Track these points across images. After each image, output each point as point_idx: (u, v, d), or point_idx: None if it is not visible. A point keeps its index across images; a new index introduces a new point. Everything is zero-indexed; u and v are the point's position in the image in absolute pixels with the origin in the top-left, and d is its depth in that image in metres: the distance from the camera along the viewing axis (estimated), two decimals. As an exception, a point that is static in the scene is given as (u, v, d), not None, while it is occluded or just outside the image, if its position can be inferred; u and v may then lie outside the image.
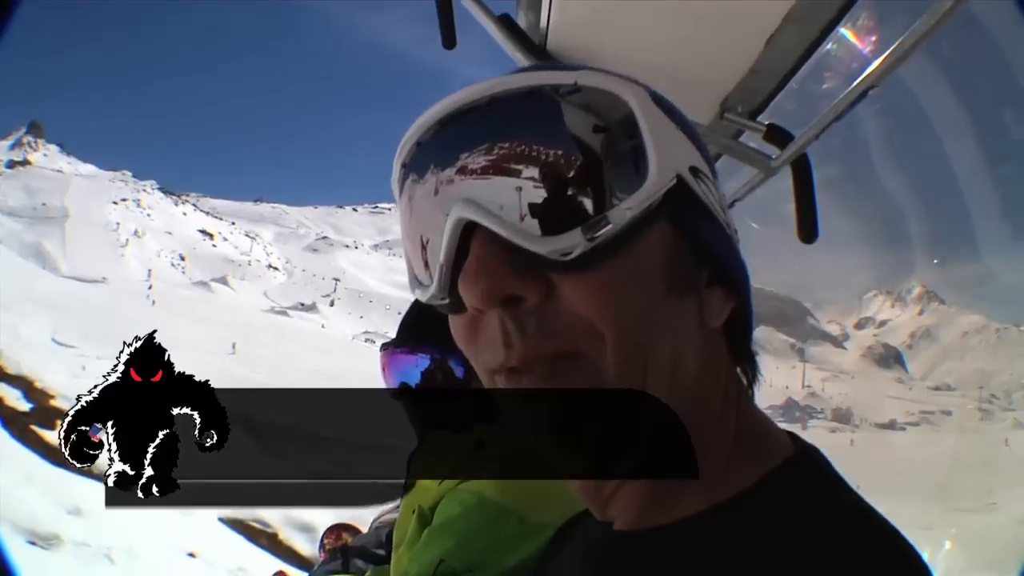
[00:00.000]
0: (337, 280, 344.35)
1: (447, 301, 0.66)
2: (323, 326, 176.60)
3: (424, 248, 0.68)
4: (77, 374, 33.39)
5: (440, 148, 0.65)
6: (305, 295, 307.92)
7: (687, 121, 0.67)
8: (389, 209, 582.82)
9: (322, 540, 3.07)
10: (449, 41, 1.89)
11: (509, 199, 0.59)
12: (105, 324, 71.00)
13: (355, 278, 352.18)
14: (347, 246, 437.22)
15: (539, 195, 0.59)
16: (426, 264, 0.69)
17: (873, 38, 1.52)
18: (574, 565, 0.76)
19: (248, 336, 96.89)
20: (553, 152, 0.59)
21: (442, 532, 1.35)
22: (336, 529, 3.06)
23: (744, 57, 1.68)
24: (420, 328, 1.65)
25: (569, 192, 0.59)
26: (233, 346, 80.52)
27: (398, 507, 2.22)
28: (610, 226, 0.57)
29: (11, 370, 31.24)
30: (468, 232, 0.61)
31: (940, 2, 1.23)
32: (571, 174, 0.58)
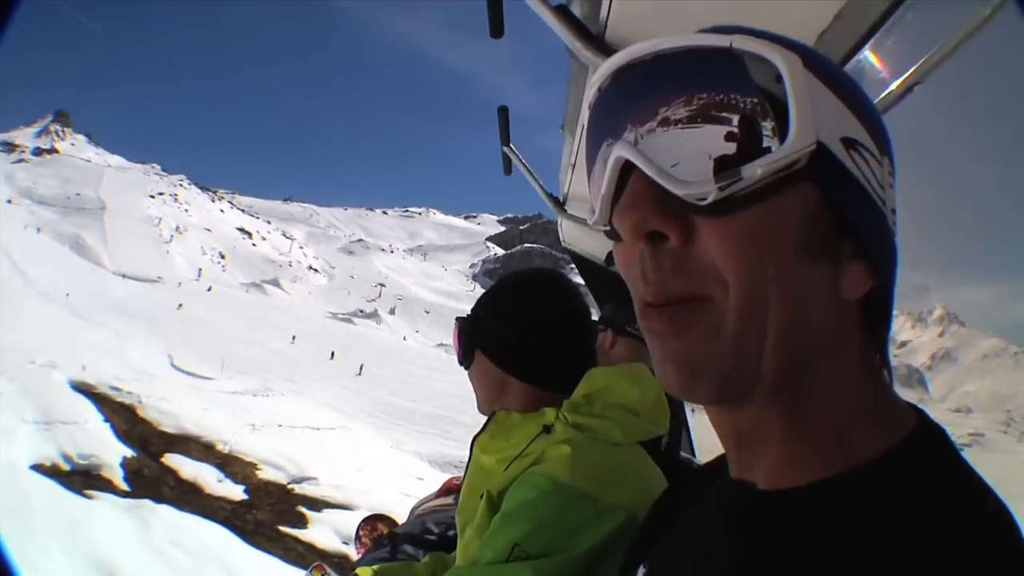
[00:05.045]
0: (382, 285, 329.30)
1: (609, 229, 0.72)
2: (405, 338, 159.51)
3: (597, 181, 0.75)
4: (255, 425, 28.18)
5: (611, 95, 0.72)
6: (354, 301, 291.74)
7: (857, 94, 0.69)
8: (419, 213, 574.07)
9: (357, 532, 3.08)
10: (497, 30, 1.89)
11: (671, 137, 0.64)
12: (205, 340, 60.69)
13: (397, 284, 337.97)
14: (383, 249, 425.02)
15: (696, 136, 0.63)
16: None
17: (918, 36, 1.56)
18: (711, 521, 0.78)
19: (348, 352, 79.03)
20: (711, 99, 0.63)
21: (515, 516, 1.35)
22: (371, 520, 3.12)
23: None
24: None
25: (721, 135, 0.62)
26: (360, 368, 67.00)
27: (439, 495, 2.84)
28: (741, 180, 0.61)
29: (168, 427, 26.02)
30: (629, 169, 0.67)
31: (980, 10, 1.32)
32: (725, 119, 0.63)
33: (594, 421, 1.50)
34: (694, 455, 3.62)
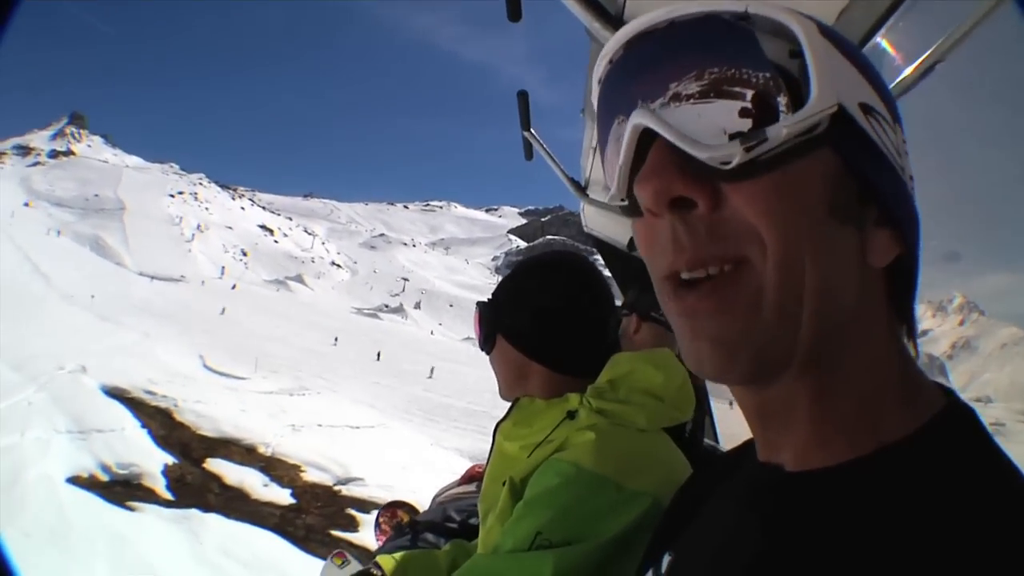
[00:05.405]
0: (406, 280, 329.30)
1: (626, 203, 0.70)
2: (432, 333, 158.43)
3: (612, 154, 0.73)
4: (295, 426, 27.62)
5: (625, 65, 0.70)
6: (377, 296, 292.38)
7: (868, 64, 0.69)
8: (440, 207, 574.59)
9: (377, 519, 3.08)
10: (515, 13, 1.89)
11: (684, 113, 0.63)
12: (235, 338, 59.94)
13: (421, 278, 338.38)
14: (405, 244, 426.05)
15: (710, 111, 0.63)
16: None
17: (939, 14, 1.57)
18: (737, 505, 0.77)
19: (378, 348, 78.47)
20: (723, 73, 0.62)
21: (538, 504, 1.34)
22: (391, 507, 3.10)
23: None
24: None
25: (735, 110, 0.62)
26: (431, 371, 64.76)
27: (462, 482, 2.82)
28: (767, 141, 0.60)
29: (207, 431, 25.15)
30: (647, 141, 0.65)
31: None
32: (738, 94, 0.62)
33: (619, 407, 1.48)
34: (718, 443, 3.58)
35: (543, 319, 1.65)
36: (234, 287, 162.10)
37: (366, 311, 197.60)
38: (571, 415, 1.49)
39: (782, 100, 0.61)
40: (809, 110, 0.60)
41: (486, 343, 1.75)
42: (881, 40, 1.56)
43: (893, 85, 1.56)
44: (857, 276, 0.65)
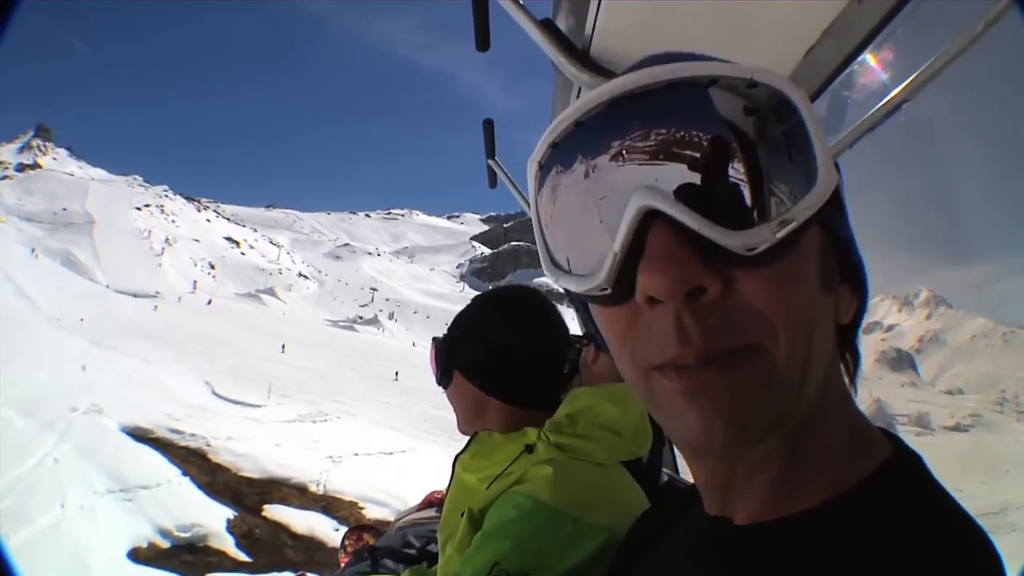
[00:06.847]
0: (375, 290, 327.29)
1: (608, 292, 0.64)
2: (414, 344, 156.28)
3: (580, 235, 0.67)
4: (333, 457, 27.91)
5: (608, 129, 0.63)
6: (347, 307, 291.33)
7: None
8: (402, 215, 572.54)
9: (343, 542, 3.08)
10: (483, 43, 1.90)
11: (686, 191, 0.59)
12: (232, 360, 59.42)
13: (388, 287, 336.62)
14: (369, 253, 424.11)
15: (717, 189, 0.59)
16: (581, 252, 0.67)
17: (908, 53, 1.59)
18: (690, 553, 0.75)
19: (367, 363, 77.96)
20: (729, 147, 0.59)
21: (496, 535, 1.36)
22: (357, 530, 3.12)
23: (782, 69, 1.74)
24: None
25: (747, 189, 0.59)
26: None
27: (420, 507, 2.79)
28: (794, 223, 0.57)
29: (249, 471, 24.47)
30: (646, 221, 0.59)
31: (973, 25, 1.36)
32: (748, 171, 0.59)
33: (577, 441, 1.50)
34: (677, 471, 3.50)
35: (500, 355, 1.67)
36: (209, 303, 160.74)
37: (341, 323, 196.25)
38: (529, 449, 1.51)
39: (781, 172, 0.59)
40: (822, 188, 0.58)
41: (443, 379, 1.77)
42: (855, 70, 1.59)
43: (859, 123, 1.62)
44: (833, 336, 0.65)
